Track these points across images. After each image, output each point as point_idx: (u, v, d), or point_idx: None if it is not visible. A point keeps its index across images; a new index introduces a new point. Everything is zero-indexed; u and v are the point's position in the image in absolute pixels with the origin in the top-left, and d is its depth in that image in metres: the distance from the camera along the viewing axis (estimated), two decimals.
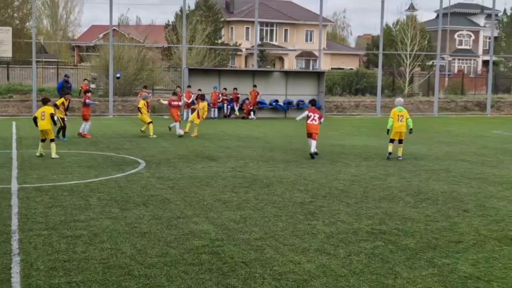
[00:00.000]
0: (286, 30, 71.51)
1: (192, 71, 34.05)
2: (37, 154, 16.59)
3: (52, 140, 16.56)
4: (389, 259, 7.79)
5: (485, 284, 6.96)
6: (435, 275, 7.24)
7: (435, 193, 12.35)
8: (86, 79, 31.57)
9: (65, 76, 32.16)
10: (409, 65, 48.91)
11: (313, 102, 18.18)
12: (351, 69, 60.34)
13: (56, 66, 45.38)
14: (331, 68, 61.71)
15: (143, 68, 40.71)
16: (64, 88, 30.67)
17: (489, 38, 49.55)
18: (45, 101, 16.87)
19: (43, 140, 16.63)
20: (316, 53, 52.62)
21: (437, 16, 62.49)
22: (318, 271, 7.28)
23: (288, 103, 35.36)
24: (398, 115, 17.08)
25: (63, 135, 20.61)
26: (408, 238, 8.84)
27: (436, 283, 6.94)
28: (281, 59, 70.19)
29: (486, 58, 56.38)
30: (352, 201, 11.36)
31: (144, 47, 42.19)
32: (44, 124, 16.38)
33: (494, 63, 49.39)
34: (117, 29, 48.23)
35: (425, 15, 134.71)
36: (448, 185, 13.30)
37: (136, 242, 8.33)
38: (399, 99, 17.93)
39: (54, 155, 16.26)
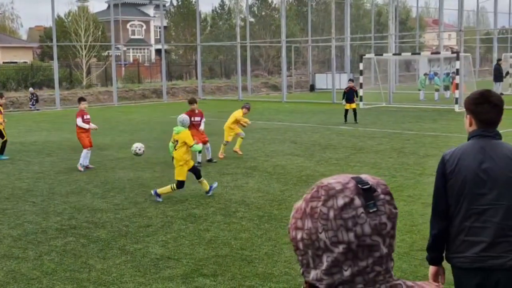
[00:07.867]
0: None
1: None
2: None
3: None
4: (82, 253, 7.75)
5: (175, 263, 7.35)
6: (128, 261, 7.42)
7: (122, 181, 12.59)
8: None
9: None
10: (85, 56, 48.62)
11: None
12: (25, 62, 57.78)
13: None
14: (3, 62, 58.22)
15: None
16: None
17: (160, 28, 51.78)
18: None
19: None
20: None
21: (109, 7, 63.13)
22: (7, 277, 6.91)
23: None
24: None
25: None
26: (99, 229, 8.88)
27: (130, 269, 7.12)
28: None
29: (159, 47, 58.82)
30: (39, 200, 10.98)
31: None
32: None
33: (166, 51, 51.72)
34: None
35: (96, 6, 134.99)
36: (133, 172, 13.64)
37: None
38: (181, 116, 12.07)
39: None
